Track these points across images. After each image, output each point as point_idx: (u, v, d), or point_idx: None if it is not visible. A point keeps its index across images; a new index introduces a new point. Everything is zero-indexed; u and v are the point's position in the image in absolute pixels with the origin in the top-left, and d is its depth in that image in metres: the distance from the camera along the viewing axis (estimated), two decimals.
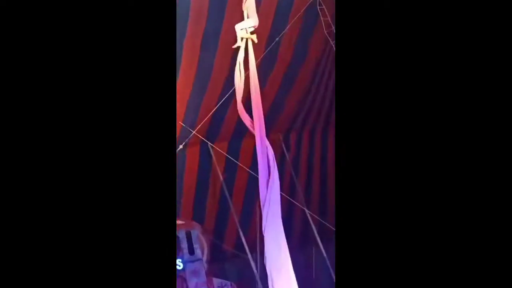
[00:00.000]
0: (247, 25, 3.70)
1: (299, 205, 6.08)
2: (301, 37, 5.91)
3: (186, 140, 5.72)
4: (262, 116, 3.98)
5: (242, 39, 3.68)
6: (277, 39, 5.56)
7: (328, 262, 6.13)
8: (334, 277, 5.97)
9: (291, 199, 5.96)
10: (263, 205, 3.77)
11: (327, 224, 5.93)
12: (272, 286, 3.59)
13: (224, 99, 5.39)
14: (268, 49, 5.44)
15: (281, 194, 5.54)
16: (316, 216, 6.16)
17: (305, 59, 6.05)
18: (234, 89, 4.09)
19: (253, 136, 4.03)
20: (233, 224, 6.22)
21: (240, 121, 6.20)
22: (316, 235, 6.16)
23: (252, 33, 3.72)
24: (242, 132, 5.99)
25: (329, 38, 5.38)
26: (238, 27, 3.72)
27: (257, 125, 3.93)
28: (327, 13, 5.22)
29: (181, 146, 5.79)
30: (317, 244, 6.18)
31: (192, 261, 6.25)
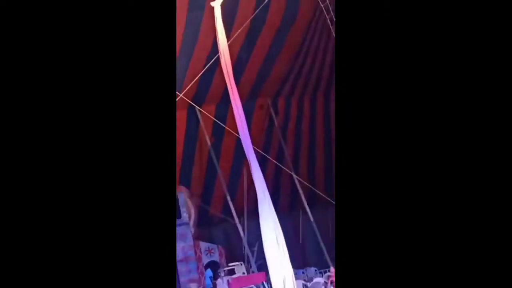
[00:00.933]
0: None
1: (287, 169, 6.02)
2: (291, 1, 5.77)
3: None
4: (233, 79, 4.22)
5: None
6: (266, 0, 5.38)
7: (315, 226, 6.12)
8: (321, 241, 6.01)
9: (278, 164, 5.89)
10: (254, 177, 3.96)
11: (315, 190, 5.91)
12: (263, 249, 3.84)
13: (212, 61, 5.34)
14: (257, 11, 5.29)
15: (268, 159, 5.54)
16: (303, 181, 6.12)
17: (294, 21, 5.91)
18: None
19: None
20: (221, 189, 6.15)
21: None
22: (304, 200, 6.16)
23: None
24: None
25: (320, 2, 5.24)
26: None
27: (229, 87, 4.24)
28: None
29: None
30: (305, 209, 6.19)
31: (179, 225, 6.21)
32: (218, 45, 4.31)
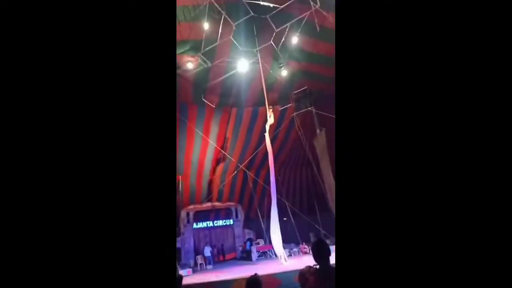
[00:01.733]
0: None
1: (285, 201, 13.52)
2: (288, 128, 13.20)
3: (237, 170, 13.28)
4: (273, 163, 10.78)
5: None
6: (277, 130, 12.84)
7: (294, 226, 13.41)
8: (297, 233, 13.24)
9: (282, 199, 13.42)
10: (272, 203, 10.33)
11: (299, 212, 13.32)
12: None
13: (257, 151, 12.70)
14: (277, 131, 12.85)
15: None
16: (291, 206, 13.56)
17: (289, 138, 13.38)
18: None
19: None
20: (255, 207, 13.91)
21: (263, 159, 13.42)
22: (289, 212, 13.56)
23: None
24: (263, 165, 13.49)
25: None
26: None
27: (271, 167, 10.64)
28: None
29: (235, 172, 13.39)
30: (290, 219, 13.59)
31: (237, 221, 14.45)
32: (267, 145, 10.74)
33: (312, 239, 13.36)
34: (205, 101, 11.23)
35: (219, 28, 9.29)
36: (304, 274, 1.82)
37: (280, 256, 9.77)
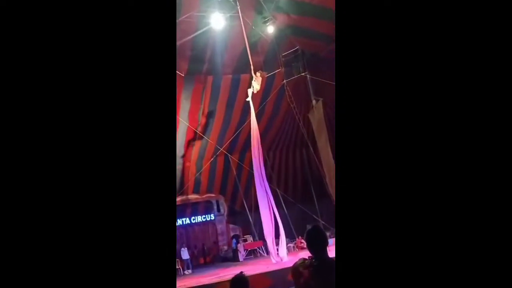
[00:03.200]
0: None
1: (275, 187, 11.12)
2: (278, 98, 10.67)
3: (216, 154, 10.69)
4: (260, 144, 8.35)
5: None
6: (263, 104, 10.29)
7: (288, 217, 11.11)
8: (291, 224, 10.93)
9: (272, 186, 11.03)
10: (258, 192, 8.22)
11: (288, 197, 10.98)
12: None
13: (240, 128, 10.27)
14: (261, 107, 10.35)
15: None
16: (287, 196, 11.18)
17: (278, 112, 10.93)
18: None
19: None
20: (241, 198, 11.47)
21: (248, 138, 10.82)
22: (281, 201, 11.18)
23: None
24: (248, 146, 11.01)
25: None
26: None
27: (255, 147, 8.35)
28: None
29: (214, 157, 10.78)
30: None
31: (219, 215, 11.75)
32: (252, 122, 8.15)
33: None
34: None
35: None
36: (297, 268, 1.59)
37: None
